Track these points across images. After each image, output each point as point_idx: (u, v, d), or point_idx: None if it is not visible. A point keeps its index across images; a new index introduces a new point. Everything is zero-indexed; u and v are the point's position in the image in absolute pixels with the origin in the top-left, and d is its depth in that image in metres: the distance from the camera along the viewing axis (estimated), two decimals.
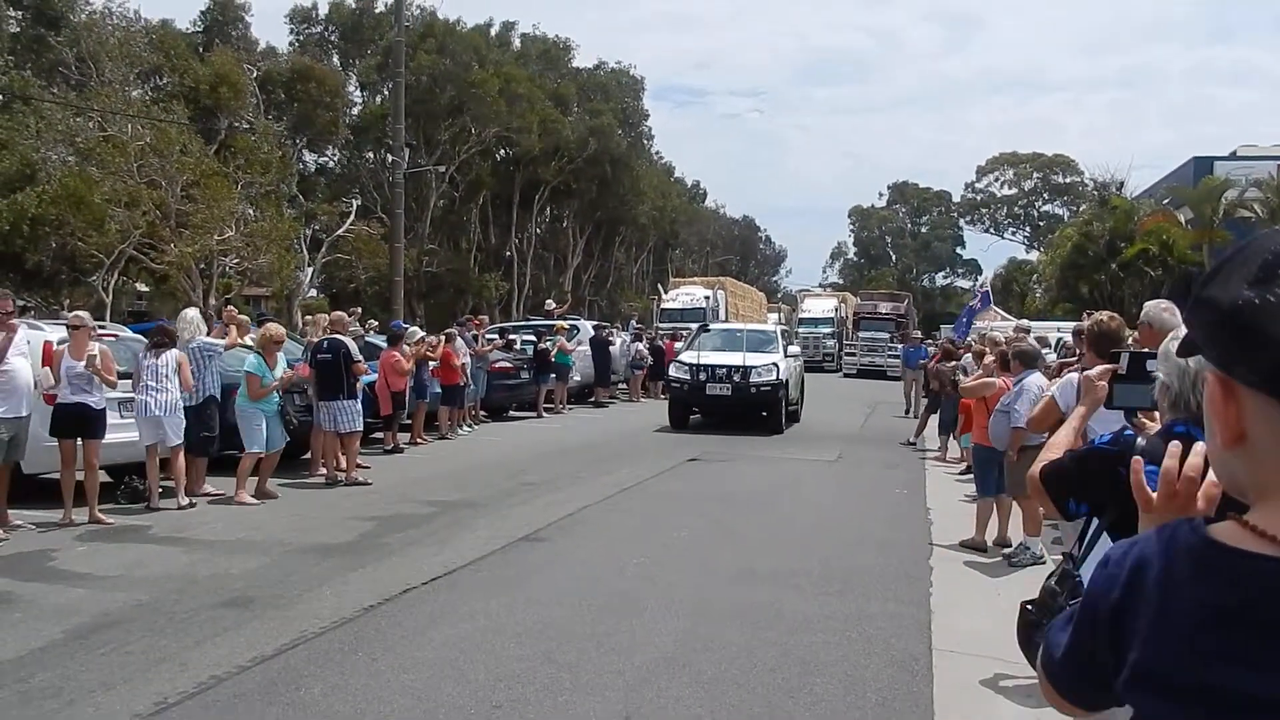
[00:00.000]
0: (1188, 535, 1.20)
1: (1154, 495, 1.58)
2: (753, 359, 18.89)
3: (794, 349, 21.62)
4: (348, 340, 12.72)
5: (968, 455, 13.64)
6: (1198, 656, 1.12)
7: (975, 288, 33.99)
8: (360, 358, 12.73)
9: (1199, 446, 1.47)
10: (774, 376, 18.65)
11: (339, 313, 14.33)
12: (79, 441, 9.44)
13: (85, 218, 24.46)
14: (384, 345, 15.51)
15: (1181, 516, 1.45)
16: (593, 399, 24.91)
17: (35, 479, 10.11)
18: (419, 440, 16.10)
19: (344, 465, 12.31)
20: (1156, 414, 2.74)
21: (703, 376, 18.92)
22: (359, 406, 12.51)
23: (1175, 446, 1.53)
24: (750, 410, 18.99)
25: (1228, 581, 1.13)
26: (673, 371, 19.82)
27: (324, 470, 12.46)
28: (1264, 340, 1.10)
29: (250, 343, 11.88)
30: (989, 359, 14.01)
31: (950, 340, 21.91)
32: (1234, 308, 1.13)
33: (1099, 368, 2.96)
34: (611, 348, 25.63)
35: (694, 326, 25.58)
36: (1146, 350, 3.06)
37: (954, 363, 16.03)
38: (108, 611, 6.53)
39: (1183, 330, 2.28)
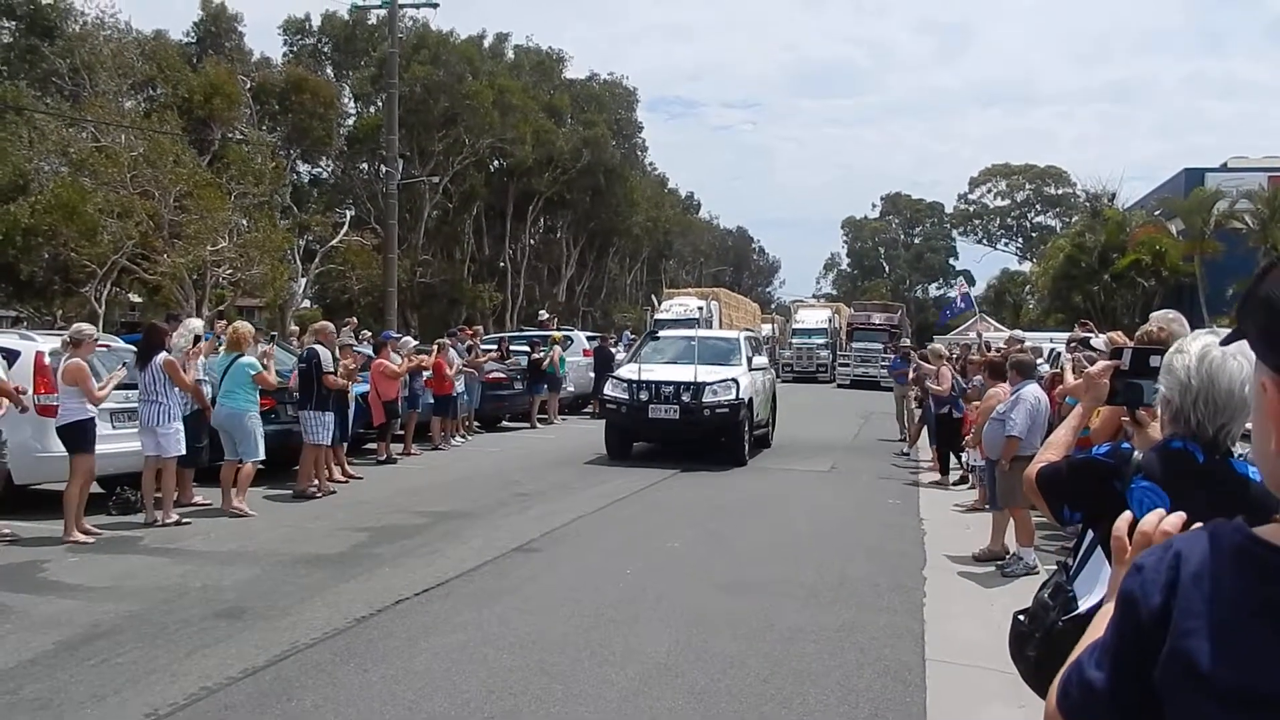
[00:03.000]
0: (1233, 535, 1.18)
1: (1129, 546, 1.56)
2: (707, 374, 15.49)
3: (761, 360, 18.09)
4: (321, 350, 12.45)
5: (964, 467, 13.67)
6: (1245, 654, 1.11)
7: (956, 287, 34.45)
8: (331, 369, 12.34)
9: (1170, 517, 1.50)
10: (733, 395, 15.30)
11: (324, 322, 14.20)
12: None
13: (78, 228, 24.42)
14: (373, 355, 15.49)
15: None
16: (589, 409, 24.87)
17: (26, 490, 10.07)
18: (411, 451, 16.06)
19: (332, 476, 12.22)
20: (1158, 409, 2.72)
21: (644, 396, 15.43)
22: (326, 419, 12.11)
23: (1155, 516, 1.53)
24: (704, 437, 15.61)
25: (1271, 581, 1.12)
26: (608, 390, 16.24)
27: (316, 482, 12.42)
28: None
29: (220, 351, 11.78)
30: (942, 367, 14.21)
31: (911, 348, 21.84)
32: None
33: (1101, 364, 2.95)
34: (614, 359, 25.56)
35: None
36: (1150, 346, 3.04)
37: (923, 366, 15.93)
38: (98, 623, 6.50)
39: (1190, 342, 2.29)
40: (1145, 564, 1.25)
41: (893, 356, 22.40)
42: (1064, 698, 1.31)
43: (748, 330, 20.69)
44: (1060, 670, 1.38)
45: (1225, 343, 1.58)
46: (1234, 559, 1.16)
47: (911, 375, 17.06)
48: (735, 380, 15.52)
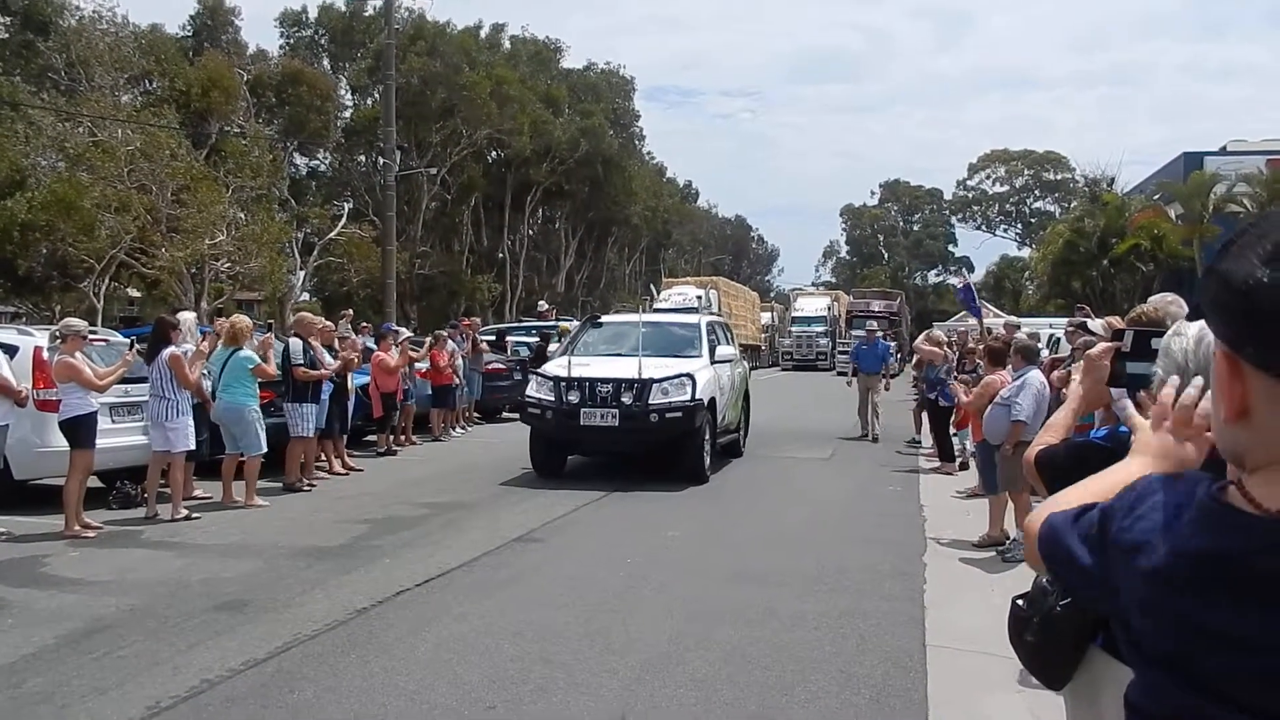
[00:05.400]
0: (1203, 494, 1.24)
1: (1146, 422, 1.71)
2: (654, 369, 12.43)
3: (727, 350, 14.60)
4: (292, 341, 12.27)
5: (965, 453, 13.66)
6: (1188, 594, 1.18)
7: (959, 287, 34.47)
8: (301, 360, 12.07)
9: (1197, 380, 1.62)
10: (688, 395, 12.36)
11: (304, 313, 14.07)
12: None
13: (76, 223, 24.42)
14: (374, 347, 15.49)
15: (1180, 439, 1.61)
16: None
17: (25, 485, 10.08)
18: (411, 440, 16.05)
19: (333, 469, 12.20)
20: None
21: (574, 398, 12.43)
22: (307, 410, 11.95)
23: (1173, 382, 1.68)
24: (653, 449, 12.75)
25: (1222, 536, 1.18)
26: (530, 390, 13.19)
27: (319, 473, 12.43)
28: (1274, 322, 1.11)
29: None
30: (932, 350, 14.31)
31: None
32: (1246, 286, 1.13)
33: (1101, 345, 2.92)
34: None
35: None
36: (1150, 327, 3.02)
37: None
38: (100, 616, 6.51)
39: (1187, 325, 2.28)
40: (1138, 488, 1.34)
41: (860, 341, 19.35)
42: (1051, 555, 1.46)
43: (712, 314, 17.61)
44: (1048, 518, 1.50)
45: (1190, 318, 1.63)
46: (1196, 513, 1.22)
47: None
48: (690, 377, 12.55)
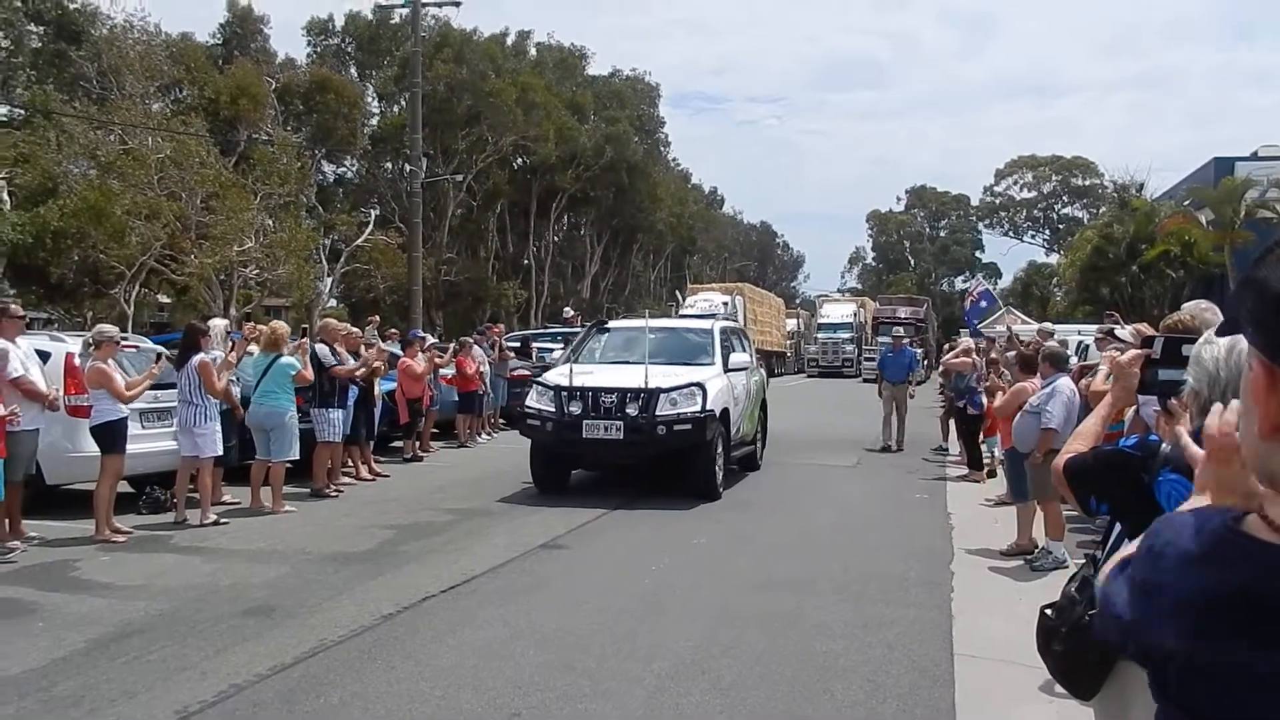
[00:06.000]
0: (1218, 523, 1.20)
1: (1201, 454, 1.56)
2: (663, 377, 11.73)
3: (741, 357, 13.77)
4: (320, 347, 12.28)
5: (993, 461, 13.56)
6: (1209, 633, 1.14)
7: (971, 290, 34.19)
8: (334, 362, 12.12)
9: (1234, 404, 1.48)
10: (698, 406, 11.60)
11: (329, 320, 14.13)
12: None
13: (106, 230, 24.71)
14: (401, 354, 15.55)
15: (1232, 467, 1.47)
16: None
17: (56, 490, 10.17)
18: (428, 448, 16.07)
19: (359, 474, 12.22)
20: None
21: (576, 408, 11.67)
22: (330, 415, 11.95)
23: (1218, 406, 1.50)
24: (660, 463, 12.03)
25: (1238, 566, 1.14)
26: (530, 400, 12.31)
27: (346, 479, 12.48)
28: None
29: (254, 350, 11.80)
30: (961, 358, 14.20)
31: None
32: None
33: (1131, 353, 2.88)
34: None
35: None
36: (1181, 334, 2.99)
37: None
38: (129, 621, 6.56)
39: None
40: (1155, 530, 1.29)
41: (885, 349, 18.86)
42: (1100, 613, 1.39)
43: (727, 320, 16.70)
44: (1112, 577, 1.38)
45: (1220, 333, 1.57)
46: (1210, 545, 1.18)
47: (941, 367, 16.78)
48: (700, 386, 11.80)
